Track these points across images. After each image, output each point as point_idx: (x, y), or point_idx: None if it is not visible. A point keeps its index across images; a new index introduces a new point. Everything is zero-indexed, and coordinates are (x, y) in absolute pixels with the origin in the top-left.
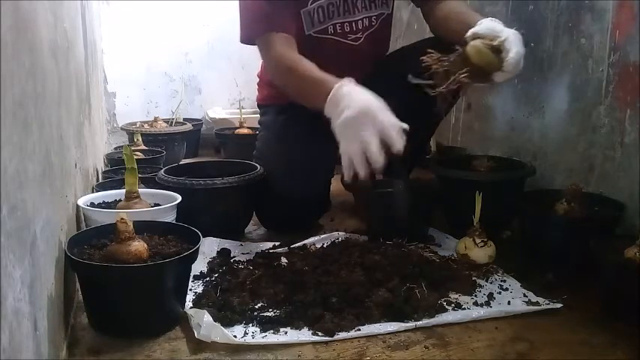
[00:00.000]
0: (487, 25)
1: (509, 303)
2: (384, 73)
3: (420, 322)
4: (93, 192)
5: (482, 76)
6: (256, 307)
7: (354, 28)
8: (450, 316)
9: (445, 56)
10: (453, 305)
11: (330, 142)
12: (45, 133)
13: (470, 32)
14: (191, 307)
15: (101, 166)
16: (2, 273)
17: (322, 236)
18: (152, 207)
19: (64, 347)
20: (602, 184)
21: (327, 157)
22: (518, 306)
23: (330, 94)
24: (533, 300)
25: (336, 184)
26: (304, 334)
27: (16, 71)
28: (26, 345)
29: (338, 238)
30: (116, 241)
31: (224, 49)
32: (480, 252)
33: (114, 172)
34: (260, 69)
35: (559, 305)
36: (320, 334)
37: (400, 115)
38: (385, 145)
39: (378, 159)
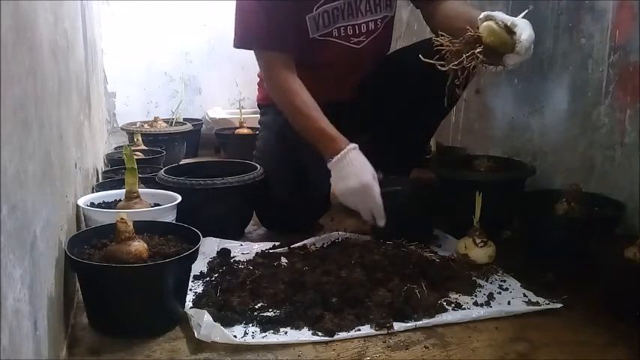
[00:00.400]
0: (498, 13)
1: (509, 303)
2: (385, 73)
3: (420, 322)
4: (93, 192)
5: (495, 57)
6: (256, 307)
7: (358, 32)
8: (450, 316)
9: (456, 39)
10: (453, 305)
11: None
12: (45, 134)
13: (483, 14)
14: (191, 307)
15: (101, 166)
16: (2, 273)
17: (322, 236)
18: (152, 207)
19: (64, 347)
20: (602, 184)
21: None
22: (518, 306)
23: (338, 155)
24: (533, 300)
25: None
26: (304, 334)
27: (16, 71)
28: (26, 345)
29: (338, 238)
30: (116, 241)
31: (224, 49)
32: (480, 252)
33: (114, 172)
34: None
35: (559, 305)
36: (320, 334)
37: (400, 115)
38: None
39: (368, 219)
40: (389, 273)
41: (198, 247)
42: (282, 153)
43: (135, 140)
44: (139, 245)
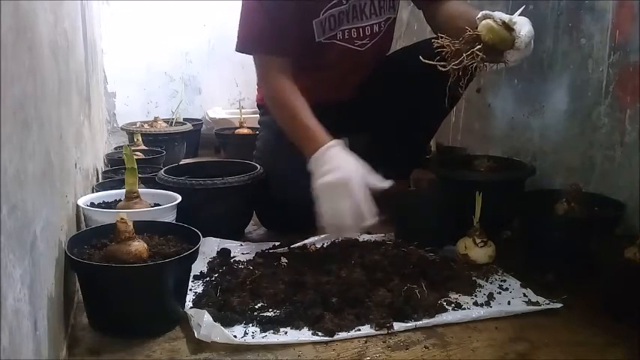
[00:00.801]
0: (496, 13)
1: (509, 303)
2: (386, 74)
3: (420, 322)
4: (93, 192)
5: (495, 55)
6: (256, 307)
7: (362, 34)
8: (450, 316)
9: (456, 39)
10: (453, 305)
11: None
12: (45, 133)
13: (481, 14)
14: (191, 307)
15: (101, 166)
16: (2, 273)
17: (322, 236)
18: (152, 207)
19: (64, 347)
20: (602, 184)
21: None
22: (518, 306)
23: (317, 152)
24: (533, 300)
25: None
26: (304, 334)
27: (16, 71)
28: (26, 345)
29: (338, 238)
30: (116, 241)
31: (224, 49)
32: (480, 252)
33: (114, 172)
34: None
35: (559, 305)
36: (320, 334)
37: (401, 116)
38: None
39: (349, 228)
40: (389, 273)
41: (198, 247)
42: (282, 153)
43: (135, 140)
44: (139, 245)
